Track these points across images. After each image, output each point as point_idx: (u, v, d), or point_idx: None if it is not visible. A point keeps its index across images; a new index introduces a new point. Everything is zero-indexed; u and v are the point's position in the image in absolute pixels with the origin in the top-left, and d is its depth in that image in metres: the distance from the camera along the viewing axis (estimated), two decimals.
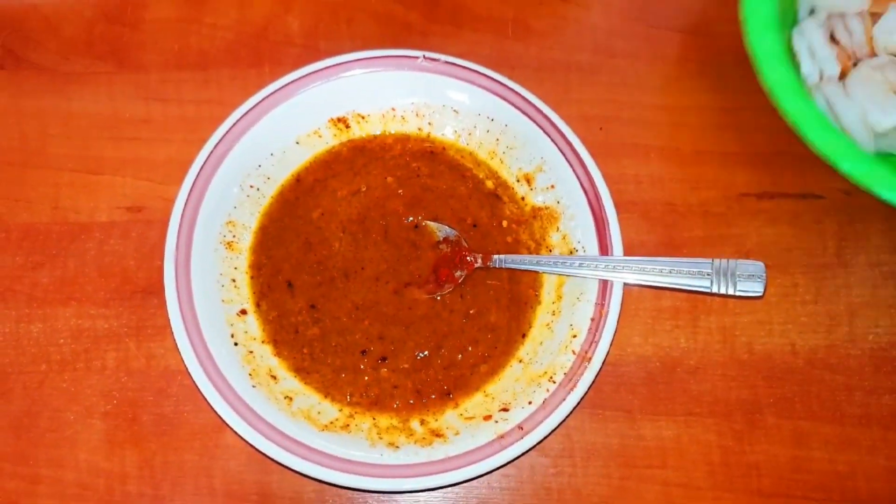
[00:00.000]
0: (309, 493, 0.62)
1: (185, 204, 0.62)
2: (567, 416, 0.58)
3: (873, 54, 0.70)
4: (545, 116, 0.66)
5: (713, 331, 0.68)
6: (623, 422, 0.65)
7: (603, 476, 0.64)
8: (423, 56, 0.68)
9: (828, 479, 0.64)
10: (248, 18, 0.77)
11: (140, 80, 0.75)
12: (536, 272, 0.65)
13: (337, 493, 0.62)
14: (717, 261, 0.62)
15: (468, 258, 0.65)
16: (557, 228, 0.67)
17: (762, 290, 0.61)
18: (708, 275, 0.61)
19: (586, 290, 0.62)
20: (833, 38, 0.70)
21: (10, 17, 0.76)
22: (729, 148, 0.74)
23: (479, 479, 0.61)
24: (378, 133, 0.70)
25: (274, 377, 0.61)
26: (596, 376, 0.59)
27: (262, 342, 0.63)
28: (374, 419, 0.61)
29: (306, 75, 0.67)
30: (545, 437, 0.57)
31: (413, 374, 0.63)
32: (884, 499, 0.64)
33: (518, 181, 0.69)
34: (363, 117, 0.69)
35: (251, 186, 0.66)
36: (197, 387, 0.58)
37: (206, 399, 0.58)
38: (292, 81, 0.66)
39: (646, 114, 0.75)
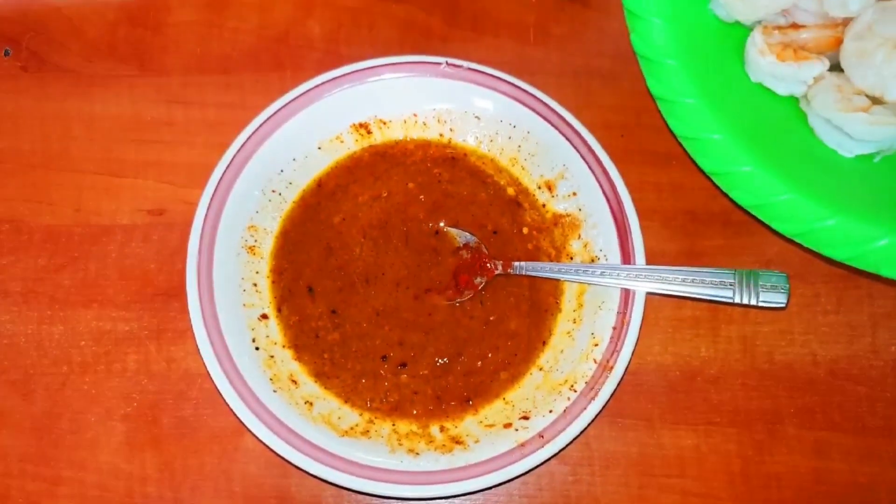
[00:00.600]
0: (327, 498, 0.63)
1: (208, 208, 0.62)
2: (588, 426, 0.57)
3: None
4: (567, 123, 0.66)
5: (733, 340, 0.68)
6: (643, 430, 0.65)
7: (622, 485, 0.63)
8: (446, 62, 0.68)
9: (849, 490, 0.64)
10: (269, 22, 0.77)
11: (162, 83, 0.75)
12: (557, 280, 0.65)
13: (356, 500, 0.62)
14: (739, 271, 0.61)
15: (488, 265, 0.65)
16: (579, 236, 0.66)
17: (785, 301, 0.60)
18: (731, 285, 0.61)
19: (608, 299, 0.62)
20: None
21: (34, 19, 0.77)
22: None
23: (499, 486, 0.60)
24: (400, 139, 0.70)
25: (295, 382, 0.62)
26: (617, 385, 0.59)
27: (283, 347, 0.63)
28: (393, 425, 0.61)
29: (329, 80, 0.67)
30: (566, 447, 0.57)
31: (433, 381, 0.63)
32: None
33: (539, 188, 0.68)
34: (385, 123, 0.69)
35: (273, 191, 0.66)
36: (218, 390, 0.59)
37: (226, 403, 0.58)
38: (315, 87, 0.66)
39: None
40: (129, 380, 0.66)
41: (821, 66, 0.62)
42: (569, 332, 0.63)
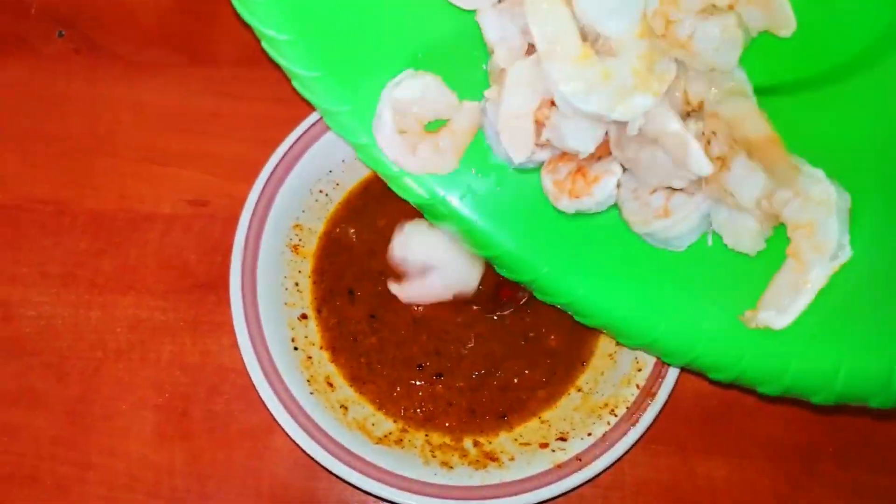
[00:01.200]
0: None
1: (257, 203, 0.62)
2: (627, 452, 0.57)
3: None
4: None
5: None
6: (676, 457, 0.64)
7: None
8: None
9: None
10: None
11: (212, 74, 0.75)
12: None
13: None
14: None
15: None
16: None
17: None
18: None
19: None
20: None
21: (89, 4, 0.77)
22: None
23: None
24: None
25: (331, 385, 0.61)
26: (659, 413, 0.58)
27: (321, 348, 0.63)
28: (426, 435, 0.60)
29: None
30: (603, 471, 0.56)
31: (468, 393, 0.62)
32: None
33: None
34: None
35: (320, 191, 0.66)
36: (254, 387, 0.58)
37: (262, 400, 0.58)
38: None
39: None
40: (162, 370, 0.65)
41: (614, 177, 0.50)
42: (610, 355, 0.62)
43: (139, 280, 0.68)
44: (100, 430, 0.64)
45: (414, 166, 0.52)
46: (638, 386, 0.58)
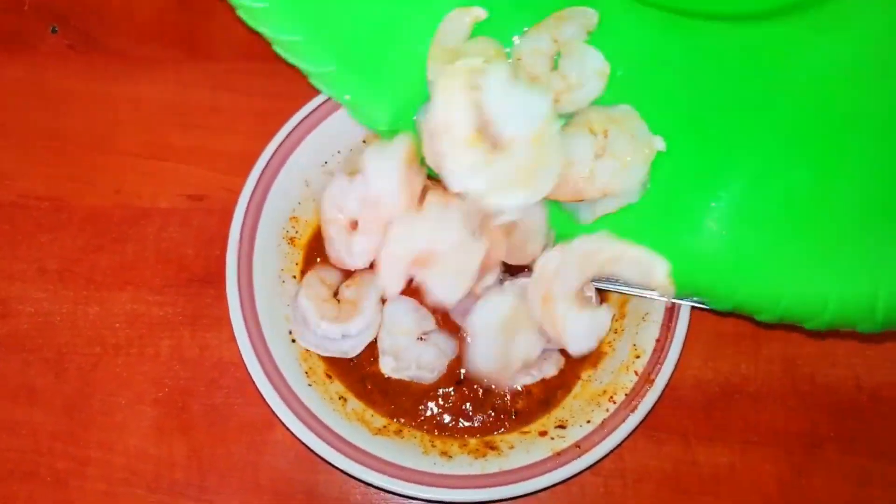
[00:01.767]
0: (356, 496, 0.62)
1: (251, 195, 0.61)
2: (626, 438, 0.56)
3: None
4: None
5: (775, 359, 0.66)
6: (678, 445, 0.63)
7: (654, 499, 0.62)
8: None
9: None
10: None
11: (209, 68, 0.75)
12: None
13: (384, 499, 0.62)
14: None
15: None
16: None
17: None
18: None
19: (652, 310, 0.60)
20: None
21: None
22: None
23: (530, 495, 0.59)
24: None
25: (329, 376, 0.61)
26: (658, 399, 0.57)
27: None
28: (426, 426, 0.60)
29: None
30: (602, 458, 0.56)
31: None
32: None
33: None
34: None
35: (316, 182, 0.66)
36: (252, 380, 0.58)
37: (260, 393, 0.58)
38: None
39: None
40: (161, 364, 0.65)
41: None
42: (609, 342, 0.62)
43: (137, 275, 0.68)
44: (99, 425, 0.64)
45: None
46: (636, 373, 0.58)
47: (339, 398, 0.60)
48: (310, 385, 0.59)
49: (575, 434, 0.57)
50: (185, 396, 0.64)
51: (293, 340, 0.61)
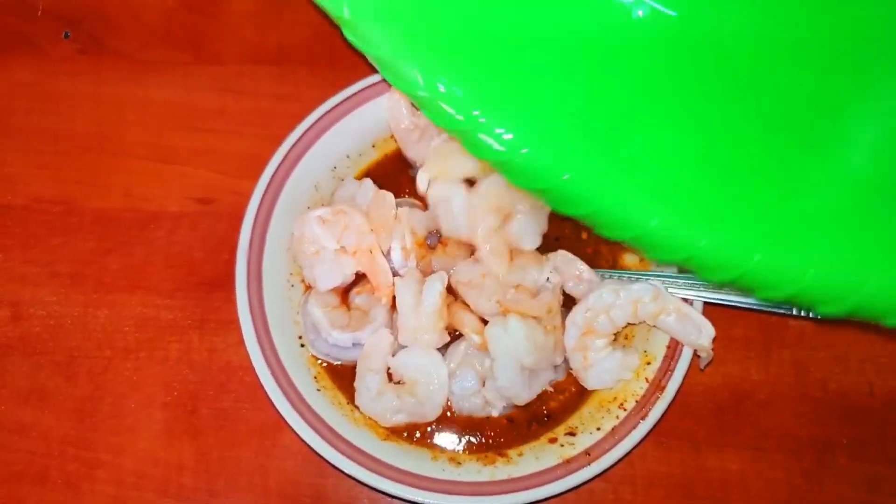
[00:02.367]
0: (363, 501, 0.62)
1: (262, 199, 0.61)
2: (636, 446, 0.56)
3: None
4: None
5: (786, 364, 0.65)
6: (687, 452, 0.63)
7: None
8: None
9: None
10: (326, 16, 0.76)
11: (217, 71, 0.75)
12: None
13: None
14: None
15: None
16: None
17: None
18: None
19: None
20: None
21: (94, 3, 0.77)
22: None
23: (538, 502, 0.59)
24: None
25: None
26: (668, 406, 0.57)
27: None
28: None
29: None
30: (613, 466, 0.56)
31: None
32: None
33: None
34: None
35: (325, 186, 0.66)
36: (261, 384, 0.58)
37: (268, 397, 0.58)
38: (377, 83, 0.65)
39: None
40: (170, 368, 0.65)
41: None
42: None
43: (146, 278, 0.68)
44: (108, 428, 0.64)
45: None
46: (647, 379, 0.58)
47: (348, 403, 0.60)
48: (318, 390, 0.59)
49: (585, 441, 0.56)
50: (193, 400, 0.65)
51: (302, 345, 0.61)
